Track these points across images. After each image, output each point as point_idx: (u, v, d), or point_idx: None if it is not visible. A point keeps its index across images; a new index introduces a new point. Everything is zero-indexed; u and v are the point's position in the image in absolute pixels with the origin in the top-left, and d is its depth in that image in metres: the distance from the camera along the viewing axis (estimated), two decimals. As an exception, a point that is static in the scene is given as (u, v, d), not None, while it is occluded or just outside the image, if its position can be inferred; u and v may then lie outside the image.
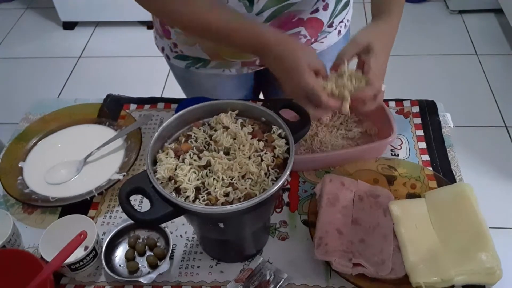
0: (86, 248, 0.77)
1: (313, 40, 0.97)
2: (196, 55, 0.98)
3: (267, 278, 0.74)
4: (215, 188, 0.64)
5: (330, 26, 0.98)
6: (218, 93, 1.07)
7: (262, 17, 0.85)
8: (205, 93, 1.02)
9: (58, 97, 2.37)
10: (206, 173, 0.66)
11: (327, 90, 0.72)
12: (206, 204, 0.63)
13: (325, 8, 0.91)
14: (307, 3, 0.87)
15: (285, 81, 0.75)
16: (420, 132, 0.97)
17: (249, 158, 0.67)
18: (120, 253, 0.80)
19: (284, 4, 0.84)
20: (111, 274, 0.75)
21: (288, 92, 0.75)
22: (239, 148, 0.68)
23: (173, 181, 0.65)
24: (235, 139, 0.70)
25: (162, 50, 1.04)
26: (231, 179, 0.65)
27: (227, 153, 0.69)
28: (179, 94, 1.14)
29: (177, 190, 0.65)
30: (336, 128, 0.96)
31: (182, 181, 0.64)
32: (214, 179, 0.65)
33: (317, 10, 0.91)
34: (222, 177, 0.65)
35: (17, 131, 1.02)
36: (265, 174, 0.66)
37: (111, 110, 1.06)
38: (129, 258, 0.78)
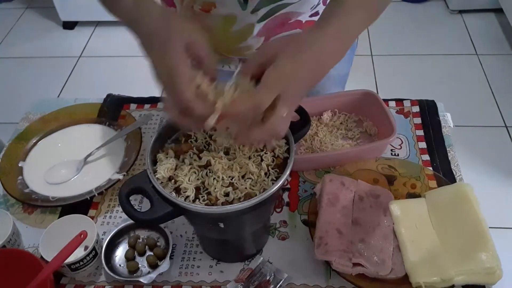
0: (86, 248, 0.77)
1: None
2: None
3: (267, 278, 0.74)
4: (215, 188, 0.64)
5: None
6: None
7: (257, 15, 0.84)
8: None
9: (58, 97, 2.37)
10: (206, 173, 0.66)
11: (201, 90, 0.53)
12: (206, 204, 0.63)
13: None
14: (304, 5, 0.85)
15: (154, 65, 0.58)
16: (420, 132, 0.97)
17: (249, 158, 0.67)
18: (120, 253, 0.80)
19: (279, 4, 0.83)
20: (111, 274, 0.75)
21: (156, 79, 0.58)
22: (239, 148, 0.68)
23: (173, 181, 0.65)
24: (235, 139, 0.70)
25: None
26: (231, 179, 0.65)
27: (227, 153, 0.69)
28: (179, 94, 1.14)
29: (177, 190, 0.65)
30: (336, 128, 0.97)
31: (182, 181, 0.64)
32: (214, 179, 0.65)
33: (317, 14, 0.88)
34: (222, 177, 0.65)
35: (17, 131, 1.02)
36: (265, 174, 0.66)
37: (111, 110, 1.05)
38: (129, 258, 0.78)
